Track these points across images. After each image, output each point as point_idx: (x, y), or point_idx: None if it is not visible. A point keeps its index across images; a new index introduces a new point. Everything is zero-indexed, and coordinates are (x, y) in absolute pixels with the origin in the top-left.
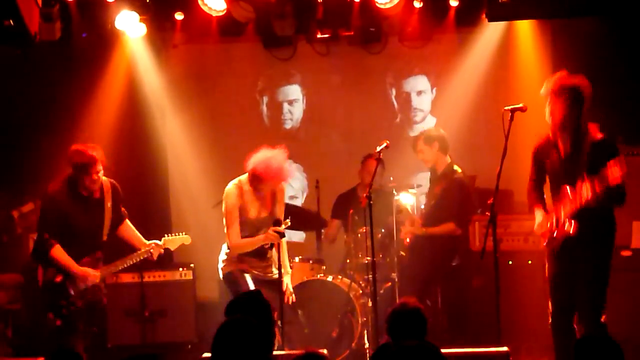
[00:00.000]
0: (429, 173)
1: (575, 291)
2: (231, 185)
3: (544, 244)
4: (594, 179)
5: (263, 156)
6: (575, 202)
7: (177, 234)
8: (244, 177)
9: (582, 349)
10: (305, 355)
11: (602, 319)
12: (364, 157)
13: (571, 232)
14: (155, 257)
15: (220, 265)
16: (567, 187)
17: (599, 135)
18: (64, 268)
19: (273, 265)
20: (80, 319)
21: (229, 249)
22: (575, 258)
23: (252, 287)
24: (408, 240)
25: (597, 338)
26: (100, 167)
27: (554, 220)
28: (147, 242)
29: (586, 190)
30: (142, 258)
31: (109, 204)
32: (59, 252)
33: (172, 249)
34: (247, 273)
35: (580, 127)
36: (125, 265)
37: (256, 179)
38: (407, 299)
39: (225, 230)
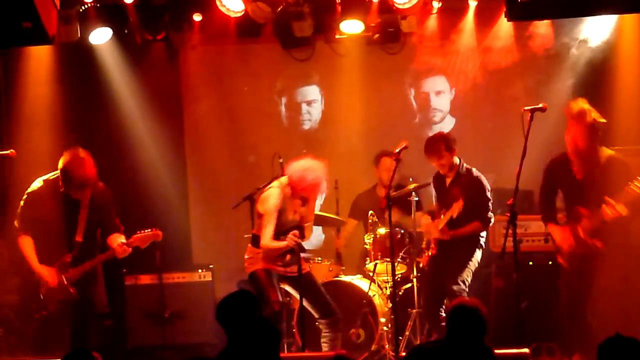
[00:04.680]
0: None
1: None
2: (275, 188)
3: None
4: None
5: (301, 166)
6: (597, 221)
7: (147, 230)
8: (285, 180)
9: (606, 350)
10: (335, 358)
11: None
12: (376, 155)
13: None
14: (119, 255)
15: (246, 263)
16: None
17: (608, 153)
18: (26, 260)
19: (294, 263)
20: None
21: (259, 247)
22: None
23: (276, 287)
24: (430, 252)
25: (623, 338)
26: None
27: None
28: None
29: (611, 211)
30: (106, 258)
31: (86, 203)
32: (25, 243)
33: (142, 246)
34: (273, 272)
35: (596, 150)
36: (92, 266)
37: (290, 187)
38: (464, 299)
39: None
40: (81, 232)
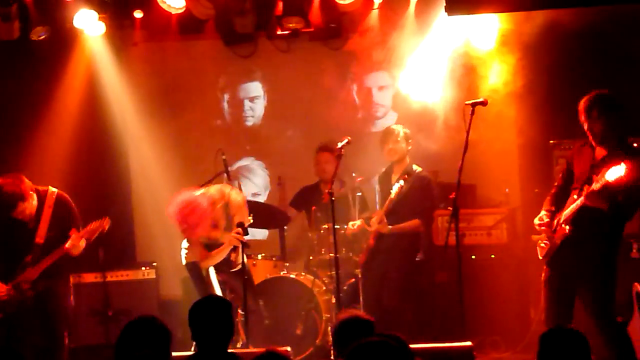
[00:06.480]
0: (385, 169)
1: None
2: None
3: (542, 254)
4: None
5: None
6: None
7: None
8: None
9: (547, 341)
10: (266, 354)
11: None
12: (316, 150)
13: (566, 231)
14: (73, 250)
15: (184, 253)
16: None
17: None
18: None
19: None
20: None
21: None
22: (572, 266)
23: (214, 278)
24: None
25: (563, 330)
26: (26, 199)
27: (555, 222)
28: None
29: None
30: (60, 255)
31: (47, 218)
32: None
33: (91, 238)
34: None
35: (616, 137)
36: (49, 263)
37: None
38: (351, 311)
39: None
40: (42, 235)
